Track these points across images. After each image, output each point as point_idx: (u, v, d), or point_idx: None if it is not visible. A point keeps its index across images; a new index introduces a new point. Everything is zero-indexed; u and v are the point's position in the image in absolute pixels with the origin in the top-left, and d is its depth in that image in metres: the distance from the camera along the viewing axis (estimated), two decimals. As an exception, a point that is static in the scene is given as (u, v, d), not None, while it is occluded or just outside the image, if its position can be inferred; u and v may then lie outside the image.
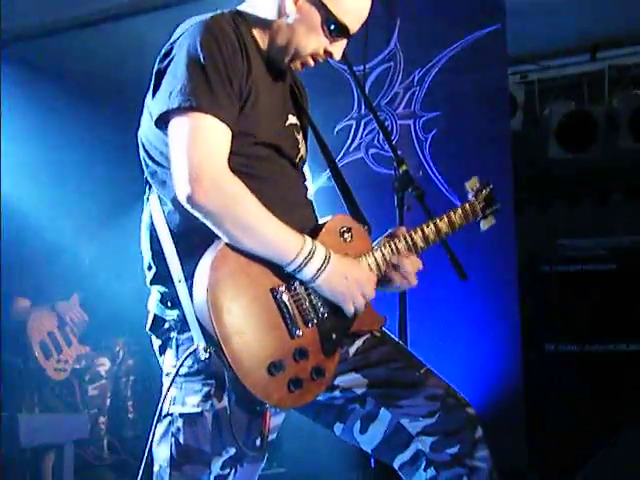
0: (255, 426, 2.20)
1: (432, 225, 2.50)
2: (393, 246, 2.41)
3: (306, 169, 2.50)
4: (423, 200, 2.65)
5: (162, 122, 2.15)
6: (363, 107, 5.41)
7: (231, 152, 2.15)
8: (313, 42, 2.30)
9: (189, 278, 2.10)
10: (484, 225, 2.69)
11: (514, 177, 5.49)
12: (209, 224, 2.09)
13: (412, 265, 2.42)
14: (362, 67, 3.31)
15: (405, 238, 2.44)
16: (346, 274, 2.24)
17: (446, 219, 2.54)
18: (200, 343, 2.07)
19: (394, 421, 2.41)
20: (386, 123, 5.38)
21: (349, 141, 5.51)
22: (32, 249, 5.15)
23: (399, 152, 2.75)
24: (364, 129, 5.50)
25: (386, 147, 2.71)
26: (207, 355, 2.06)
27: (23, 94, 5.57)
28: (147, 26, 5.41)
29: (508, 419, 5.16)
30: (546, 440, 5.39)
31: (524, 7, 5.65)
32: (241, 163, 2.17)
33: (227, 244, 2.10)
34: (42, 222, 5.41)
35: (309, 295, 2.21)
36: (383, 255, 2.39)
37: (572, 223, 6.85)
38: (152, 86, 2.24)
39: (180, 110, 2.09)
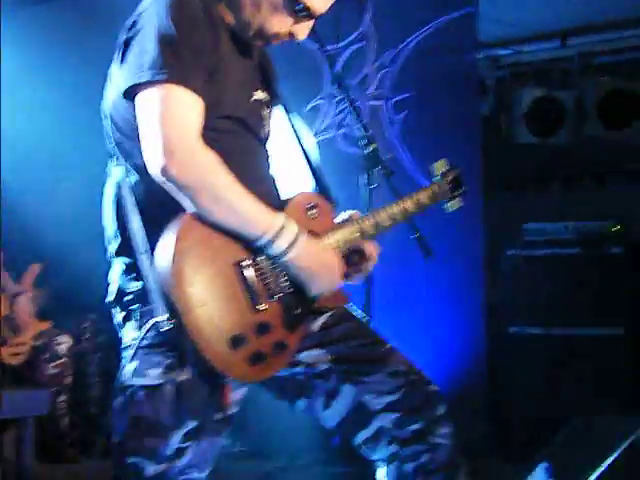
0: (215, 400, 2.19)
1: (399, 205, 2.50)
2: (360, 225, 2.41)
3: (271, 145, 2.48)
4: (391, 179, 2.65)
5: (131, 94, 2.13)
6: (334, 87, 5.40)
7: None
8: (277, 21, 2.29)
9: (153, 249, 2.09)
10: (450, 207, 2.69)
11: (483, 160, 5.53)
12: (181, 197, 2.07)
13: (372, 249, 2.42)
14: (334, 46, 3.29)
15: (372, 217, 2.44)
16: (316, 253, 2.24)
17: (413, 199, 2.54)
18: (162, 315, 2.06)
19: (357, 397, 2.41)
20: (357, 103, 5.37)
21: (320, 120, 5.50)
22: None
23: (369, 132, 2.75)
24: (335, 109, 5.50)
25: (356, 127, 2.70)
26: (169, 327, 2.04)
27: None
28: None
29: (472, 400, 5.21)
30: (509, 421, 5.45)
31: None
32: (207, 136, 2.14)
33: (193, 215, 2.08)
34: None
35: (274, 270, 2.20)
36: (350, 233, 2.38)
37: (539, 207, 6.89)
38: (119, 57, 2.21)
39: (151, 83, 2.07)
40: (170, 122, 2.05)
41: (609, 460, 2.89)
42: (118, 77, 2.20)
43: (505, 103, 6.74)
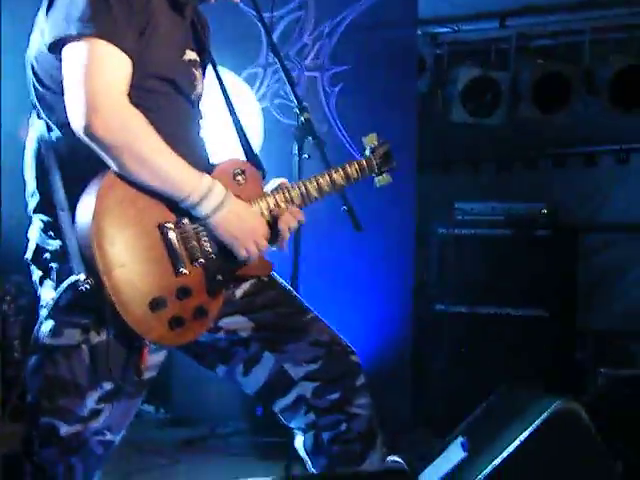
0: (133, 361, 2.18)
1: (327, 176, 2.48)
2: (287, 194, 2.39)
3: (203, 107, 2.45)
4: (323, 149, 2.65)
5: (56, 47, 2.07)
6: (271, 56, 5.34)
7: None
8: None
9: (73, 207, 2.04)
10: (379, 182, 2.68)
11: (417, 137, 5.54)
12: (104, 156, 2.03)
13: (292, 217, 2.37)
14: (271, 14, 3.25)
15: (299, 187, 2.42)
16: (242, 218, 2.22)
17: (341, 171, 2.52)
18: (80, 274, 2.02)
19: (277, 365, 2.42)
20: (293, 74, 5.34)
21: (255, 89, 5.45)
22: None
23: (304, 103, 2.73)
24: (271, 78, 5.45)
25: (292, 97, 2.68)
26: (87, 286, 2.01)
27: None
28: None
29: (395, 375, 5.26)
30: (431, 397, 5.52)
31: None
32: (135, 95, 2.10)
33: (116, 173, 2.05)
34: None
35: (197, 234, 2.18)
36: (276, 201, 2.36)
37: (471, 188, 6.96)
38: (46, 5, 2.14)
39: (78, 37, 2.02)
40: (95, 79, 2.00)
41: (523, 435, 2.94)
42: (44, 26, 2.13)
43: (442, 81, 6.76)
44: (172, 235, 2.12)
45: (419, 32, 6.20)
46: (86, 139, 2.02)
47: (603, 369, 4.97)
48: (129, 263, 2.04)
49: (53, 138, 2.15)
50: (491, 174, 7.22)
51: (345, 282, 5.25)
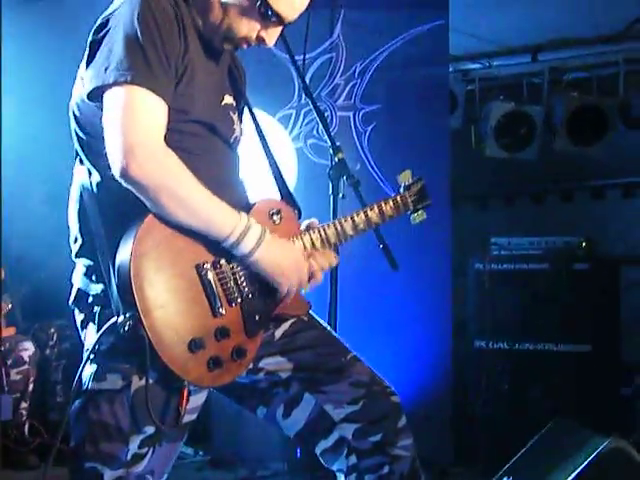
0: (173, 405, 2.17)
1: (362, 214, 2.48)
2: (322, 232, 2.39)
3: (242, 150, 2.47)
4: (358, 189, 2.64)
5: (96, 96, 2.11)
6: (303, 97, 5.38)
7: (165, 129, 2.12)
8: (245, 25, 2.27)
9: (114, 251, 2.06)
10: (415, 219, 2.67)
11: (451, 173, 5.53)
12: (143, 198, 2.05)
13: (326, 259, 2.37)
14: (303, 56, 3.28)
15: (335, 225, 2.42)
16: (284, 250, 2.24)
17: (377, 209, 2.52)
18: (120, 316, 2.03)
19: (318, 407, 2.40)
20: (326, 114, 5.36)
21: (288, 130, 5.49)
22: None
23: (338, 143, 2.74)
24: (304, 119, 5.48)
25: (325, 137, 2.69)
26: (127, 328, 2.01)
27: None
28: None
29: (435, 413, 5.21)
30: (472, 435, 5.44)
31: (469, 4, 5.69)
32: (175, 139, 2.14)
33: (155, 216, 2.06)
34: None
35: (234, 274, 2.19)
36: (311, 240, 2.37)
37: (507, 222, 6.92)
38: (86, 57, 2.19)
39: (116, 84, 2.06)
40: (132, 123, 2.04)
41: (573, 475, 2.88)
42: (84, 75, 2.18)
43: (474, 117, 6.77)
44: (209, 276, 2.13)
45: (450, 69, 6.21)
46: (125, 182, 2.05)
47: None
48: (168, 304, 2.05)
49: (94, 183, 2.18)
50: (527, 208, 7.18)
51: (382, 320, 5.23)
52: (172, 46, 2.14)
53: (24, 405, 5.22)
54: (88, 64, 2.17)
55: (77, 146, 2.27)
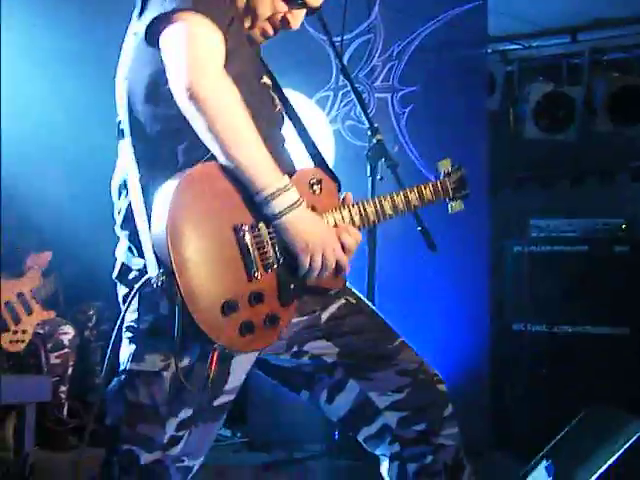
0: (212, 385, 2.10)
1: (402, 195, 2.43)
2: (362, 208, 2.32)
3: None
4: (396, 171, 2.63)
5: (155, 32, 2.06)
6: (341, 78, 5.36)
7: None
8: (269, 7, 2.26)
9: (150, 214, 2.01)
10: (452, 208, 2.63)
11: (490, 156, 5.49)
12: (199, 124, 1.99)
13: (356, 237, 2.26)
14: (341, 37, 3.27)
15: (374, 203, 2.36)
16: (313, 228, 2.13)
17: (416, 191, 2.47)
18: (153, 272, 1.98)
19: (362, 394, 2.37)
20: (364, 95, 5.35)
21: (326, 112, 5.48)
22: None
23: (376, 125, 2.72)
24: (341, 101, 5.47)
25: (362, 119, 2.68)
26: (160, 284, 1.96)
27: None
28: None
29: (473, 397, 5.18)
30: (511, 419, 5.42)
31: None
32: None
33: (193, 173, 2.00)
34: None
35: (272, 239, 2.10)
36: (350, 215, 2.29)
37: (546, 204, 6.85)
38: (138, 9, 2.15)
39: (177, 12, 2.02)
40: (200, 47, 2.01)
41: (611, 460, 2.86)
42: (137, 28, 2.14)
43: (514, 98, 6.70)
44: (247, 238, 2.05)
45: (489, 50, 6.15)
46: (186, 100, 1.98)
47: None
48: (203, 263, 1.98)
49: (136, 154, 2.13)
50: (566, 190, 7.10)
51: (420, 303, 5.21)
52: (225, 15, 2.12)
53: (63, 388, 5.24)
54: (140, 14, 2.13)
55: (124, 117, 2.18)
